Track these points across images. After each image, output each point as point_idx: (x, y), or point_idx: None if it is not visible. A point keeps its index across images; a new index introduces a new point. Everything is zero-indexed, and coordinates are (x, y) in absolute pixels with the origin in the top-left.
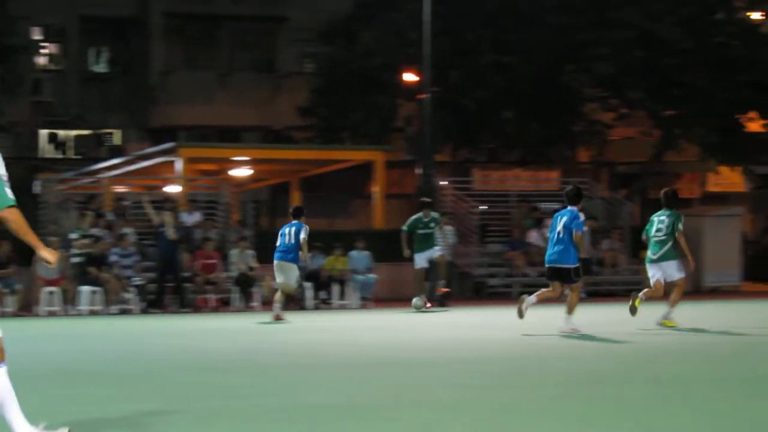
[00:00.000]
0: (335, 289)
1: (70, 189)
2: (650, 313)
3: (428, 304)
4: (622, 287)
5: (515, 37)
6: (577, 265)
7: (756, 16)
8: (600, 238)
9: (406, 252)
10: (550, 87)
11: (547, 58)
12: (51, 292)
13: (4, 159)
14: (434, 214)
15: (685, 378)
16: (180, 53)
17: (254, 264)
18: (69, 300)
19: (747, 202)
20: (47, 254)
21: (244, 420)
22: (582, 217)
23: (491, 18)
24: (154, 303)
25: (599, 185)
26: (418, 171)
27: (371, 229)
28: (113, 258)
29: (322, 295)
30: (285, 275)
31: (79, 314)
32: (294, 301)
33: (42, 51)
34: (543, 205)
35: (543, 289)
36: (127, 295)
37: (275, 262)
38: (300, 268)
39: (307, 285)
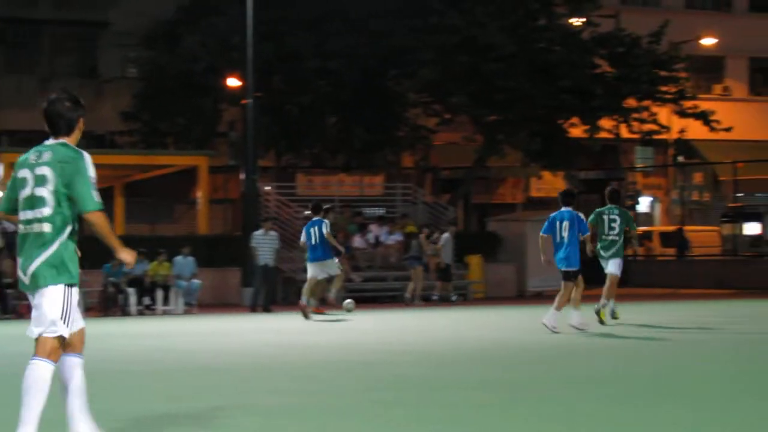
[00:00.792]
0: (159, 294)
1: None
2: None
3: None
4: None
5: (339, 42)
6: (579, 267)
7: (577, 22)
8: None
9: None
10: (373, 92)
11: (371, 64)
12: None
13: None
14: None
15: (514, 382)
16: (0, 57)
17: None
18: None
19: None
20: (127, 255)
21: (59, 428)
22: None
23: (315, 23)
24: None
25: (423, 190)
26: (242, 176)
27: (195, 235)
28: None
29: (146, 301)
30: (325, 271)
31: None
32: (117, 306)
33: None
34: (367, 211)
35: (557, 297)
36: None
37: (309, 264)
38: (336, 256)
39: (131, 291)
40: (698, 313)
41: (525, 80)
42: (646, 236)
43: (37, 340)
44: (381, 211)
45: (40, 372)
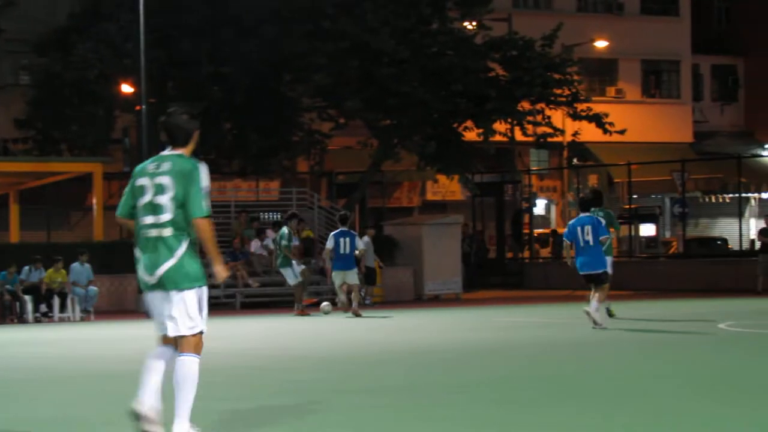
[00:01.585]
0: (56, 302)
1: None
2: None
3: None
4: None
5: (232, 47)
6: (606, 269)
7: (469, 26)
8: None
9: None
10: (267, 98)
11: (264, 69)
12: None
13: None
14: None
15: (410, 386)
16: None
17: None
18: None
19: (465, 210)
20: (221, 270)
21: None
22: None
23: (207, 29)
24: None
25: (319, 195)
26: None
27: (92, 242)
28: None
29: (43, 308)
30: (345, 280)
31: None
32: (13, 314)
33: None
34: (264, 216)
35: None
36: None
37: (335, 271)
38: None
39: (27, 298)
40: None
41: (418, 85)
42: (543, 239)
43: (175, 338)
44: (277, 216)
45: (189, 366)
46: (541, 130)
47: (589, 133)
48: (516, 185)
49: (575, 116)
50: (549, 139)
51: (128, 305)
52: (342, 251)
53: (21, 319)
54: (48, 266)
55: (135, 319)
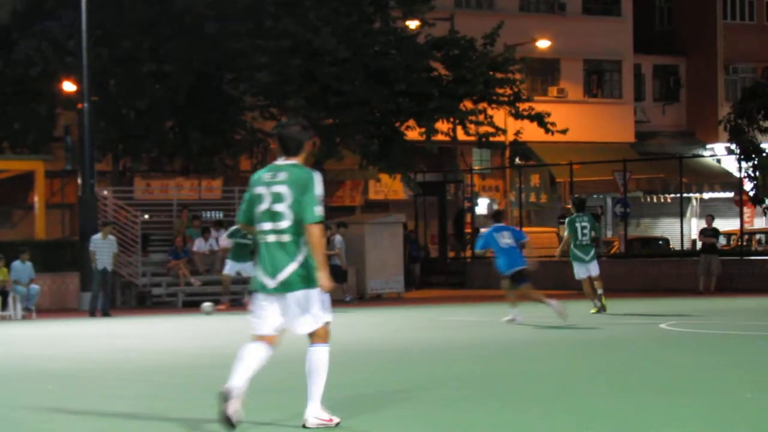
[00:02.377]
0: None
1: None
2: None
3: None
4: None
5: (174, 45)
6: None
7: (412, 25)
8: None
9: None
10: (209, 96)
11: (206, 67)
12: None
13: None
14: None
15: (347, 385)
16: None
17: None
18: None
19: (408, 210)
20: (326, 282)
21: None
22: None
23: (148, 26)
24: None
25: None
26: (80, 180)
27: (33, 240)
28: None
29: None
30: None
31: None
32: None
33: None
34: (206, 214)
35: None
36: None
37: None
38: None
39: None
40: (536, 314)
41: (360, 84)
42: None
43: (310, 333)
44: (220, 215)
45: (320, 355)
46: (483, 129)
47: (532, 132)
48: (458, 185)
49: (517, 116)
50: (491, 139)
51: (70, 303)
52: None
53: None
54: None
55: (76, 317)
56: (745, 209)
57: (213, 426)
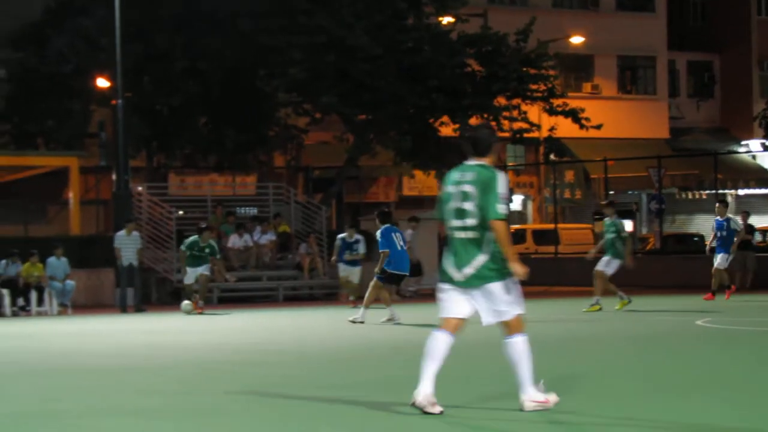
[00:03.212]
0: (33, 296)
1: None
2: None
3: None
4: (321, 291)
5: (207, 42)
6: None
7: (445, 21)
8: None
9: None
10: (243, 92)
11: (240, 63)
12: None
13: None
14: (212, 242)
15: (382, 382)
16: None
17: None
18: None
19: None
20: (520, 268)
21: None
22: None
23: (182, 23)
24: None
25: (295, 190)
26: (114, 177)
27: (68, 236)
28: None
29: (20, 302)
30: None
31: None
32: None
33: None
34: (240, 210)
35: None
36: None
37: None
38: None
39: (4, 292)
40: (565, 310)
41: (394, 80)
42: (520, 234)
43: (503, 324)
44: (254, 211)
45: (519, 346)
46: (517, 125)
47: (566, 128)
48: None
49: (551, 111)
50: (525, 135)
51: (105, 299)
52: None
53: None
54: (25, 260)
55: (111, 313)
56: None
57: (248, 420)
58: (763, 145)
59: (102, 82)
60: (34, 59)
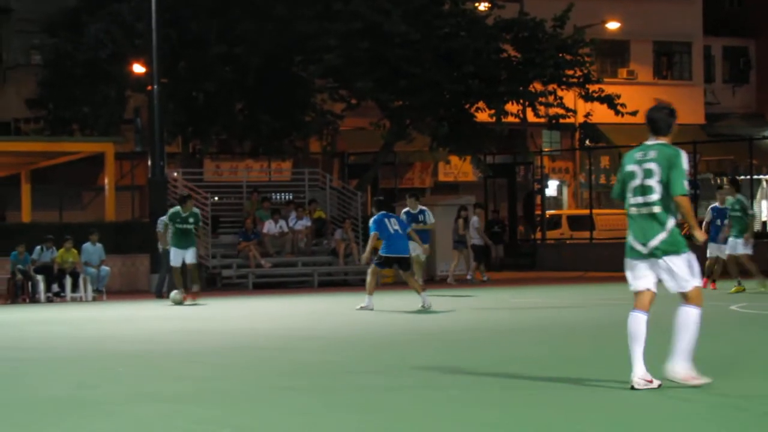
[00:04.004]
0: (68, 282)
1: None
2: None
3: (186, 298)
4: (356, 277)
5: (243, 27)
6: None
7: (481, 7)
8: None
9: (163, 244)
10: (279, 78)
11: (275, 49)
12: None
13: None
14: (195, 210)
15: (423, 366)
16: None
17: None
18: None
19: (477, 191)
20: (700, 234)
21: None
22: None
23: (218, 9)
24: None
25: (331, 176)
26: (150, 162)
27: (103, 221)
28: None
29: (55, 288)
30: None
31: None
32: (25, 294)
33: None
34: (275, 196)
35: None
36: None
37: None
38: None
39: (39, 278)
40: (602, 295)
41: (430, 66)
42: (555, 220)
43: (682, 294)
44: (289, 197)
45: (690, 315)
46: (553, 111)
47: (601, 114)
48: (528, 166)
49: (587, 97)
50: (561, 121)
51: (140, 285)
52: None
53: (33, 299)
54: (60, 246)
55: (146, 299)
56: None
57: (282, 406)
58: None
59: (138, 68)
60: (70, 45)
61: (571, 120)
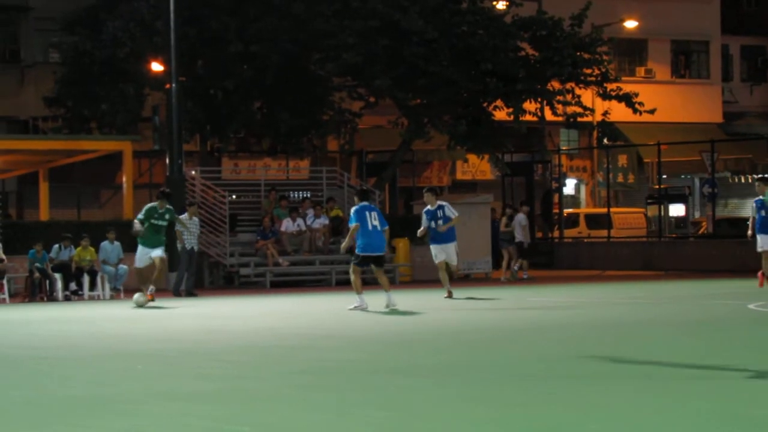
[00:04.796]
0: (86, 280)
1: None
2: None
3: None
4: (373, 275)
5: (261, 26)
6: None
7: (499, 5)
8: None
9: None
10: (297, 76)
11: (294, 48)
12: None
13: None
14: (169, 207)
15: (438, 366)
16: None
17: (2, 256)
18: None
19: (495, 190)
20: None
21: None
22: None
23: (237, 6)
24: None
25: (349, 174)
26: (168, 161)
27: (121, 220)
28: None
29: (72, 286)
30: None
31: None
32: (43, 292)
33: None
34: (293, 194)
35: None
36: None
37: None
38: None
39: (57, 276)
40: (621, 294)
41: (448, 64)
42: (573, 219)
43: None
44: (307, 195)
45: None
46: (570, 109)
47: (619, 112)
48: (546, 165)
49: (605, 96)
50: (579, 119)
51: (157, 284)
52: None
53: (51, 297)
54: (77, 244)
55: (164, 298)
56: None
57: (300, 403)
58: None
59: (156, 66)
60: (88, 43)
61: (589, 118)
